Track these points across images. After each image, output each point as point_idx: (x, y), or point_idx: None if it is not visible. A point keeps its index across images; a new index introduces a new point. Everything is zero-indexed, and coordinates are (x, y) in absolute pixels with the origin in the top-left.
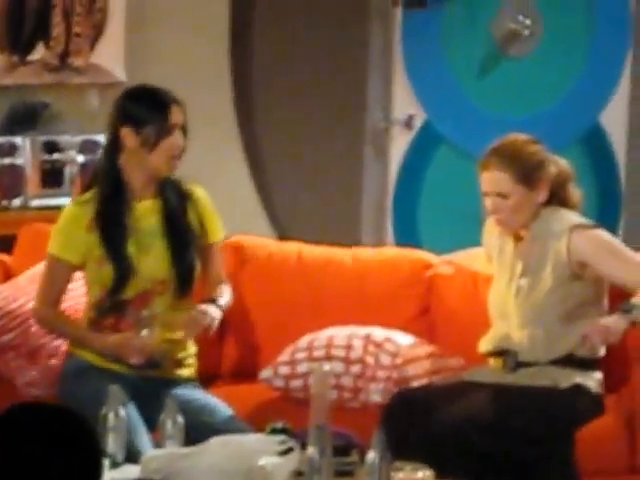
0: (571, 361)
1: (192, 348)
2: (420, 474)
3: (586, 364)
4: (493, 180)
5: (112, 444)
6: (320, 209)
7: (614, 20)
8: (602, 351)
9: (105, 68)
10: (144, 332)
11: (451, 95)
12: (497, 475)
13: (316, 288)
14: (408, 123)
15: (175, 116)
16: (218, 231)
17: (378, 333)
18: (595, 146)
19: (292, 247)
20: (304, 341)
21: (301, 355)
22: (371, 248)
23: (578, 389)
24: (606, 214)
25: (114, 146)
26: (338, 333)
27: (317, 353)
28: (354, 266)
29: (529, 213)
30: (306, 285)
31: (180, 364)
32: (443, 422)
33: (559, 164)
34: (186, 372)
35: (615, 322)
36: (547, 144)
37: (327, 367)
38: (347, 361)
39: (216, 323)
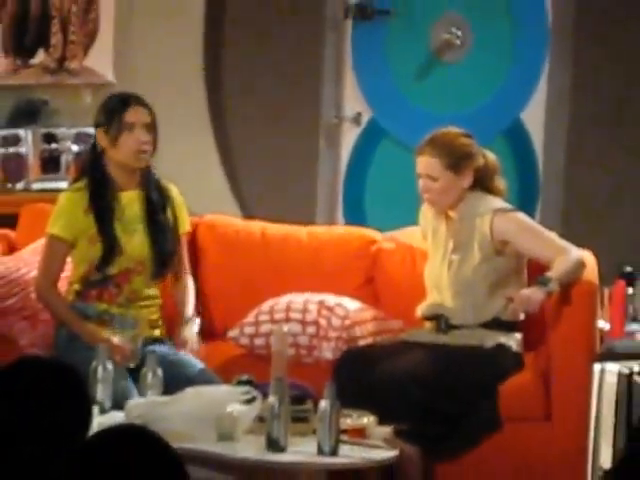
0: (495, 324)
1: (158, 312)
2: (364, 420)
3: (508, 326)
4: (425, 164)
5: (101, 393)
6: (281, 192)
7: (533, 32)
8: (522, 316)
9: (96, 71)
10: (128, 343)
11: (393, 95)
12: (431, 422)
13: (277, 260)
14: (356, 119)
15: (133, 115)
16: (186, 224)
17: (330, 299)
18: (517, 140)
19: (256, 225)
20: (267, 305)
21: (264, 317)
22: (324, 226)
23: (501, 348)
24: (525, 199)
25: (95, 146)
26: (296, 299)
27: (278, 316)
28: (310, 241)
29: (455, 196)
30: (268, 258)
31: (154, 326)
32: (385, 376)
33: (487, 157)
34: (157, 332)
35: (534, 293)
36: (476, 137)
37: (285, 328)
38: (303, 323)
39: (196, 338)
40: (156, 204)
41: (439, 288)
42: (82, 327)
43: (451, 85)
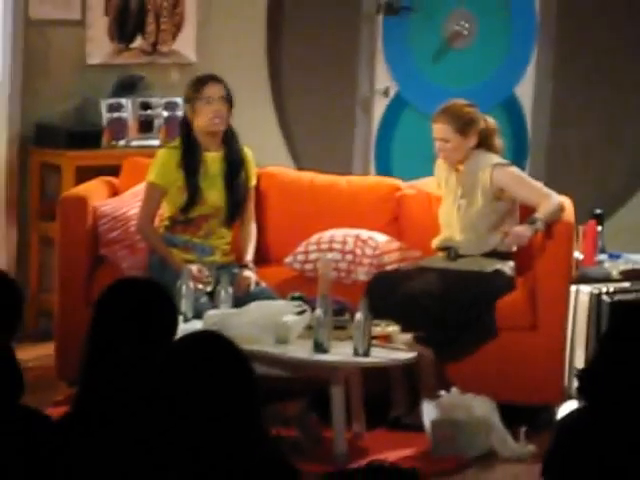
0: (493, 254)
1: (229, 243)
2: (390, 328)
3: (503, 256)
4: (439, 129)
5: (184, 306)
6: (326, 149)
7: (525, 24)
8: (514, 247)
9: (182, 53)
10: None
11: (414, 74)
12: (443, 329)
13: (322, 203)
14: (385, 92)
15: (209, 90)
16: (254, 180)
17: (364, 233)
18: (511, 109)
19: (306, 175)
20: (314, 238)
21: (312, 247)
22: (360, 176)
23: (498, 272)
24: (518, 156)
25: (185, 116)
26: (337, 233)
27: (323, 246)
28: (348, 188)
29: (463, 153)
30: (316, 201)
31: (226, 253)
32: (407, 293)
33: (487, 120)
34: (228, 258)
35: (524, 230)
36: (479, 107)
37: (329, 256)
38: (343, 252)
39: (253, 280)
40: (234, 164)
41: (450, 225)
42: (170, 257)
43: (460, 67)
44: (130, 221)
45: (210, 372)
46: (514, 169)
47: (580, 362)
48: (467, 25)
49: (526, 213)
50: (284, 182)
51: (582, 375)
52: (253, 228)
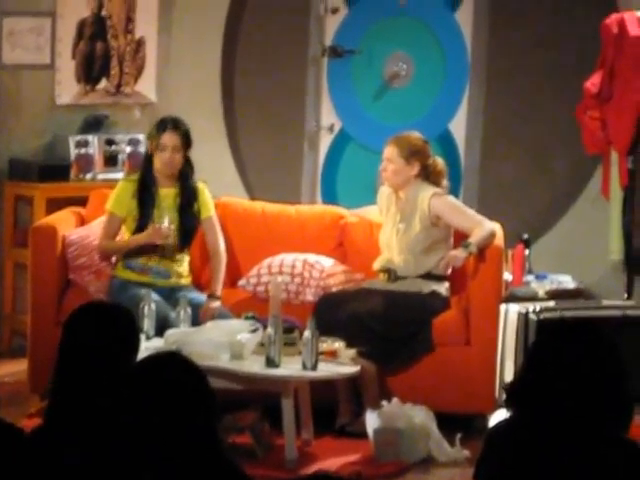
0: (430, 276)
1: (186, 266)
2: (336, 344)
3: (439, 278)
4: (387, 150)
5: (147, 325)
6: (277, 181)
7: (458, 65)
8: (449, 270)
9: (144, 93)
10: (164, 223)
11: (357, 111)
12: (384, 345)
13: (273, 230)
14: (330, 129)
15: (165, 139)
16: (210, 209)
17: (311, 258)
18: (446, 143)
19: (259, 204)
20: (266, 263)
21: (264, 271)
22: (307, 205)
23: (434, 293)
24: (452, 186)
25: (148, 151)
26: (286, 257)
27: (274, 270)
28: (297, 216)
29: (403, 178)
30: (267, 228)
31: (180, 276)
32: (351, 313)
33: (437, 161)
34: (185, 280)
35: (459, 253)
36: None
37: (280, 279)
38: (292, 275)
39: (217, 310)
40: (186, 199)
41: (389, 247)
42: (134, 239)
43: (399, 104)
44: (95, 249)
45: (169, 389)
46: (451, 198)
47: (510, 374)
48: (405, 66)
49: (460, 238)
50: (238, 211)
51: (509, 388)
52: (223, 257)
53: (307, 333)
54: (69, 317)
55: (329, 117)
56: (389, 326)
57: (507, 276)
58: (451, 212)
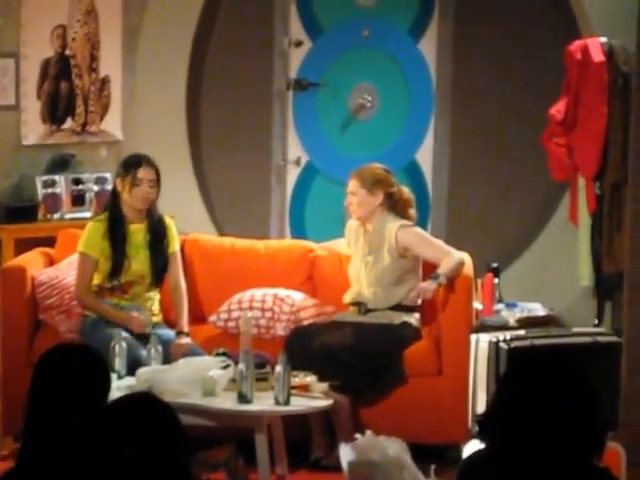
0: (400, 307)
1: (157, 304)
2: (308, 379)
3: (410, 309)
4: (350, 184)
5: (118, 364)
6: (244, 216)
7: (422, 95)
8: (419, 301)
9: (110, 132)
10: (141, 314)
11: (323, 144)
12: (356, 378)
13: (243, 265)
14: (297, 162)
15: (142, 173)
16: (176, 245)
17: (281, 292)
18: (413, 174)
19: (227, 240)
20: (236, 298)
21: (234, 306)
22: (276, 240)
23: (405, 324)
24: (420, 217)
25: (115, 190)
26: (256, 292)
27: (244, 305)
28: (266, 251)
29: (368, 209)
30: (237, 263)
31: (153, 314)
32: (323, 346)
33: (402, 190)
34: (156, 318)
35: (428, 285)
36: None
37: (250, 314)
38: (262, 310)
39: (188, 346)
40: (156, 234)
41: (358, 280)
42: (112, 313)
43: (365, 136)
44: (65, 289)
45: (141, 430)
46: (418, 230)
47: (482, 404)
48: (370, 98)
49: (429, 269)
50: (207, 247)
51: (481, 418)
52: (183, 292)
53: (279, 368)
54: (39, 359)
55: (295, 150)
56: (361, 358)
57: (477, 305)
58: (419, 244)
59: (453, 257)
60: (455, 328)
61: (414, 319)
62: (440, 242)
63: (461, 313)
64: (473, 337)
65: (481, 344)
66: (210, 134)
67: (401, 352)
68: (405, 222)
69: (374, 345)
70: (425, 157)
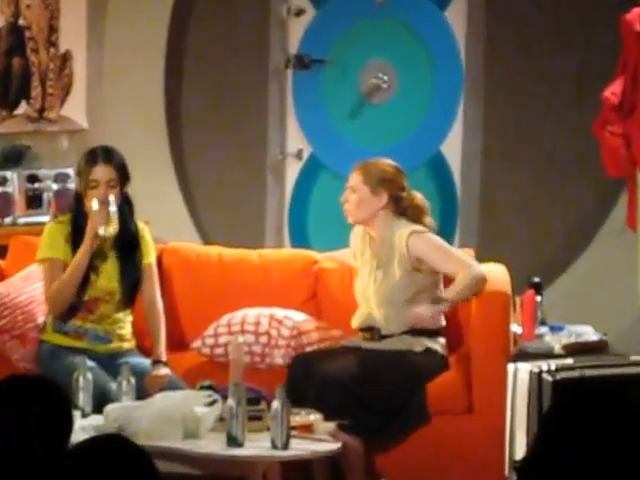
0: (420, 331)
1: (129, 327)
2: (311, 417)
3: (432, 333)
4: (351, 177)
5: (82, 400)
6: (234, 221)
7: (450, 74)
8: (443, 322)
9: (72, 119)
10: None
11: (330, 134)
12: (370, 417)
13: (232, 280)
14: (298, 155)
15: (97, 173)
16: (151, 255)
17: (279, 312)
18: (438, 170)
19: (214, 249)
20: (224, 319)
21: (222, 330)
22: (273, 249)
23: (429, 351)
24: (446, 222)
25: (78, 190)
26: (249, 313)
27: (234, 328)
28: (260, 263)
29: (368, 211)
30: (225, 278)
31: (122, 339)
32: (329, 376)
33: (415, 196)
34: (127, 345)
35: (424, 311)
36: (402, 167)
37: (241, 339)
38: (256, 334)
39: (166, 378)
40: (128, 243)
41: (367, 300)
42: (81, 253)
43: (380, 123)
44: (19, 308)
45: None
46: (431, 236)
47: (521, 448)
48: (386, 77)
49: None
50: (189, 258)
51: (521, 466)
52: (160, 313)
53: (276, 404)
54: None
55: (296, 141)
56: (376, 393)
57: (516, 328)
58: (433, 253)
59: (471, 271)
60: (489, 356)
61: (439, 345)
62: (459, 252)
63: (496, 338)
64: (510, 367)
65: (520, 375)
66: (193, 122)
67: (424, 385)
68: (418, 228)
69: (391, 377)
70: (452, 149)
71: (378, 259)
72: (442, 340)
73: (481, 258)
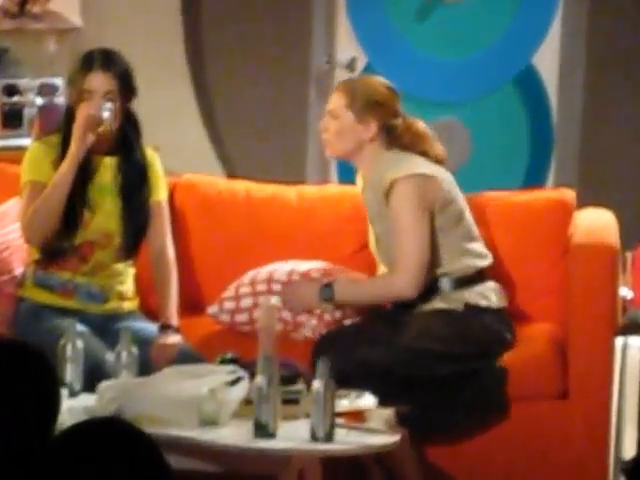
0: (459, 282)
1: (131, 282)
2: (363, 401)
3: (470, 280)
4: (332, 99)
5: (70, 374)
6: (267, 148)
7: None
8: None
9: (61, 14)
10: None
11: (391, 38)
12: (432, 401)
13: (263, 225)
14: (350, 65)
15: (92, 82)
16: (161, 191)
17: (319, 266)
18: (528, 87)
19: (240, 185)
20: (248, 277)
21: (245, 290)
22: (315, 186)
23: (470, 309)
24: (538, 153)
25: (69, 103)
26: (281, 268)
27: (259, 287)
28: (299, 203)
29: (351, 143)
30: (253, 222)
31: (122, 297)
32: (373, 352)
33: (412, 123)
34: (129, 305)
35: (310, 301)
36: (483, 85)
37: (274, 301)
38: None
39: (177, 347)
40: (132, 174)
41: (380, 263)
42: (68, 162)
43: (454, 26)
44: None
45: (107, 474)
46: (407, 189)
47: (631, 443)
48: None
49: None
50: (208, 195)
51: (630, 469)
52: (172, 264)
53: (317, 384)
54: None
55: (348, 47)
56: (436, 367)
57: (625, 292)
58: (394, 219)
59: (392, 282)
60: (591, 327)
61: (489, 294)
62: (416, 242)
63: (600, 304)
64: (618, 341)
65: (631, 352)
66: (216, 19)
67: (497, 354)
68: (411, 170)
69: (451, 344)
70: (547, 61)
71: (370, 208)
72: (491, 285)
73: (581, 202)
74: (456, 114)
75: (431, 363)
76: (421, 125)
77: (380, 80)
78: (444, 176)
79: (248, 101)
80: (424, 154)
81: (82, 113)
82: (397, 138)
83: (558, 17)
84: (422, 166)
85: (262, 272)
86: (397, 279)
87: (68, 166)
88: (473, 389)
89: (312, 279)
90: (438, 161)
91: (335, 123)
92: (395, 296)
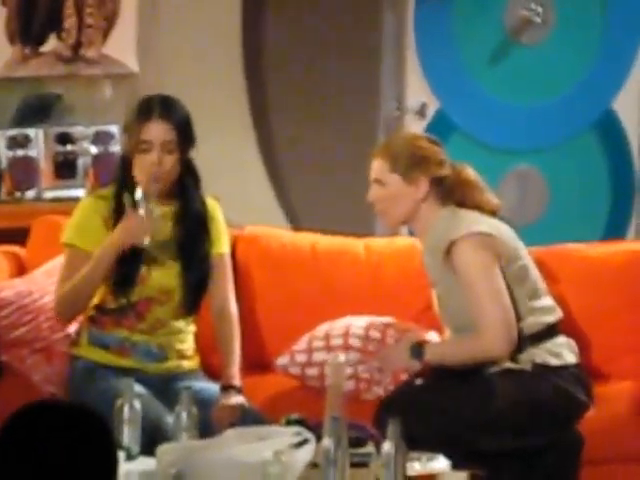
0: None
1: (191, 340)
2: (436, 464)
3: (538, 337)
4: (374, 167)
5: (128, 437)
6: (334, 199)
7: (627, 7)
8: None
9: (117, 59)
10: (141, 212)
11: (463, 83)
12: (497, 463)
13: (330, 278)
14: (421, 111)
15: (149, 132)
16: (223, 243)
17: (397, 324)
18: (608, 133)
19: (306, 237)
20: (321, 329)
21: (318, 344)
22: (385, 238)
23: (541, 370)
24: (618, 202)
25: (125, 153)
26: (355, 322)
27: (334, 342)
28: (367, 256)
29: (407, 207)
30: (320, 276)
31: (182, 356)
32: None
33: (461, 169)
34: (189, 364)
35: (399, 360)
36: (560, 131)
37: (342, 358)
38: (364, 351)
39: (240, 409)
40: (191, 225)
41: (445, 325)
42: (107, 244)
43: (530, 71)
44: (43, 313)
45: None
46: (469, 247)
47: None
48: (539, 9)
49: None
50: (273, 249)
51: None
52: (235, 321)
53: (388, 446)
54: (4, 427)
55: (418, 93)
56: (511, 432)
57: None
58: (462, 275)
59: (474, 342)
60: None
61: (563, 349)
62: (494, 305)
63: None
64: None
65: None
66: (279, 65)
67: (574, 418)
68: (469, 230)
69: (527, 408)
70: (628, 107)
71: (430, 272)
72: (563, 340)
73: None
74: (532, 162)
75: (497, 437)
76: (470, 171)
77: (415, 133)
78: (503, 230)
79: (314, 149)
80: (478, 207)
81: (126, 227)
82: (450, 191)
83: (639, 60)
84: (481, 223)
85: (337, 326)
86: (483, 340)
87: (109, 256)
88: (548, 455)
89: (404, 338)
90: (493, 213)
91: (384, 191)
92: (487, 357)
